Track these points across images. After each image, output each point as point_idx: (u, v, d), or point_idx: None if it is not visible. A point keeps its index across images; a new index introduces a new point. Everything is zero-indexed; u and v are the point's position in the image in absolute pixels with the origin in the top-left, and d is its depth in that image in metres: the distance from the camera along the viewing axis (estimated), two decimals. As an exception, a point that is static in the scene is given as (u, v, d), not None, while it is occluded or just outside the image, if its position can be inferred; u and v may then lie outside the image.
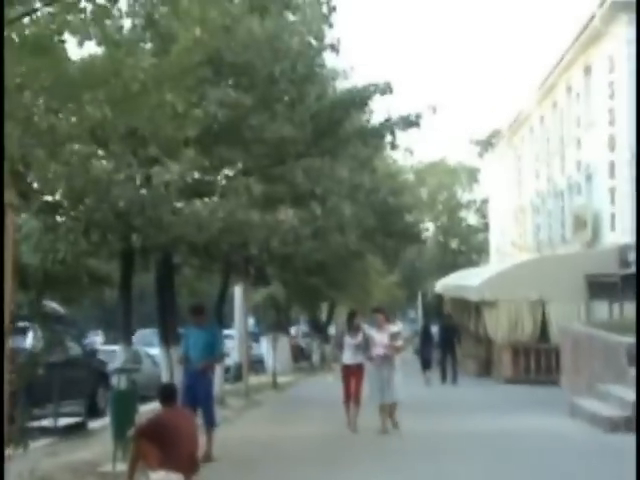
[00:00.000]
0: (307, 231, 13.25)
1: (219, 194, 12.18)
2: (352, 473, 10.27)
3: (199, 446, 9.68)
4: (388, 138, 15.95)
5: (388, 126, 15.58)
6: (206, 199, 11.88)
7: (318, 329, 43.81)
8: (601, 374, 16.75)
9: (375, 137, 15.70)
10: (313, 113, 14.01)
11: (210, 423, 11.43)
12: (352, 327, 14.28)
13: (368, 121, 16.36)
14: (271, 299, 29.34)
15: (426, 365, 26.50)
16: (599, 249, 26.88)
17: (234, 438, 13.13)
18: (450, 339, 27.06)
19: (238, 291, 27.41)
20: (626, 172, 25.12)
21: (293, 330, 46.12)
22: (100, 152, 9.97)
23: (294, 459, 11.36)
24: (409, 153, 40.70)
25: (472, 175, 65.80)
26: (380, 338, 13.78)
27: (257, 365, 31.70)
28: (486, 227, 58.41)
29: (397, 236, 31.72)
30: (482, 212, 63.87)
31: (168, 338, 15.76)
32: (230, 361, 27.32)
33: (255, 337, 34.81)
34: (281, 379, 27.52)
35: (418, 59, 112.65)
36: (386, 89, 14.75)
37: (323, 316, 50.20)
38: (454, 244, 69.00)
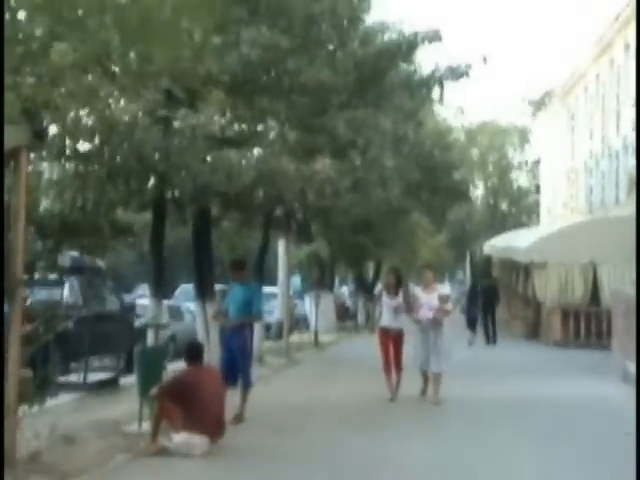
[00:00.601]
0: (346, 183, 12.55)
1: (252, 143, 11.52)
2: (386, 440, 9.75)
3: (225, 408, 9.31)
4: (436, 90, 15.26)
5: (436, 77, 14.88)
6: (237, 149, 11.16)
7: (364, 288, 43.25)
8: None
9: (422, 88, 14.94)
10: (357, 61, 13.37)
11: (245, 383, 10.96)
12: (392, 286, 12.96)
13: (415, 71, 15.56)
14: (315, 256, 28.73)
15: (471, 325, 26.41)
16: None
17: (269, 398, 12.67)
18: (491, 300, 26.91)
19: (281, 247, 26.96)
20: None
21: (339, 289, 45.70)
22: (112, 88, 9.23)
23: (326, 422, 10.89)
24: (460, 112, 39.78)
25: (524, 135, 64.40)
26: (428, 299, 12.51)
27: (302, 323, 31.32)
28: (537, 189, 57.22)
29: (443, 193, 30.78)
30: (533, 173, 62.58)
31: (205, 293, 15.33)
32: (273, 319, 26.97)
33: (300, 295, 34.40)
34: (324, 338, 27.08)
35: (470, 14, 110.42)
36: (435, 37, 14.07)
37: (370, 275, 49.81)
38: (504, 206, 67.86)
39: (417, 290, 12.99)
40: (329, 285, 35.45)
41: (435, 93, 15.47)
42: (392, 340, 12.82)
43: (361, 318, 38.61)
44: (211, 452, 8.54)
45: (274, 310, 28.43)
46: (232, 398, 10.73)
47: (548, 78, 79.58)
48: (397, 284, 13.02)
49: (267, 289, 31.55)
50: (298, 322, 31.00)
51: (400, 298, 12.73)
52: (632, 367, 14.99)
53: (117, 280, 30.91)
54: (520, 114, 61.53)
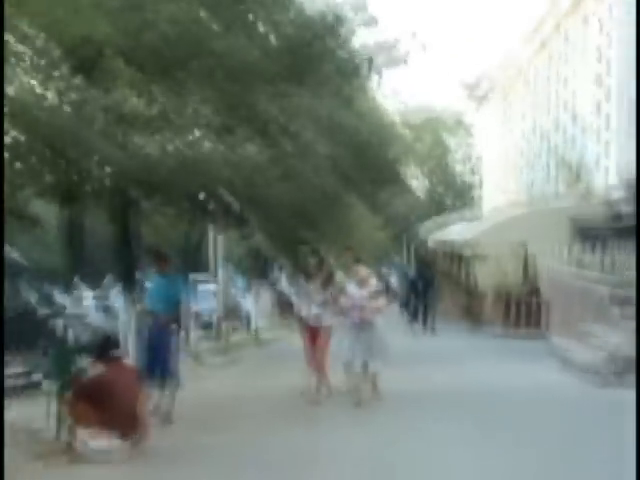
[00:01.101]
0: (276, 171, 12.07)
1: (173, 128, 10.94)
2: (320, 436, 9.53)
3: (144, 407, 8.86)
4: (371, 76, 15.01)
5: (372, 63, 14.63)
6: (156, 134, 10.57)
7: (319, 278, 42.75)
8: (582, 316, 16.16)
9: (357, 73, 14.61)
10: (291, 45, 12.98)
11: (172, 380, 10.56)
12: (313, 273, 11.91)
13: (350, 56, 15.19)
14: (255, 251, 28.42)
15: (411, 314, 26.94)
16: (591, 202, 26.11)
17: (203, 398, 12.33)
18: (429, 291, 26.78)
19: (219, 242, 26.54)
20: (623, 123, 24.28)
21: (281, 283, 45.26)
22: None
23: (260, 420, 10.57)
24: (394, 93, 39.26)
25: (467, 130, 64.67)
26: (360, 296, 11.26)
27: (244, 321, 30.80)
28: (481, 183, 57.53)
29: (374, 172, 30.06)
30: (476, 168, 62.90)
31: (129, 284, 14.70)
32: (211, 316, 26.58)
33: (243, 292, 33.96)
34: (266, 335, 26.69)
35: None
36: (371, 21, 13.83)
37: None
38: (448, 200, 67.99)
39: (350, 285, 11.55)
40: (271, 281, 35.14)
41: (373, 80, 15.16)
42: (317, 338, 11.71)
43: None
44: (131, 457, 8.10)
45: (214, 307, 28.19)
46: (160, 398, 10.42)
47: (483, 61, 79.58)
48: (327, 277, 11.94)
49: (209, 286, 31.19)
50: (242, 320, 30.45)
51: (330, 292, 11.64)
52: (571, 354, 14.98)
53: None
54: (456, 99, 61.82)
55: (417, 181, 66.31)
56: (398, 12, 79.25)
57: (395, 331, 27.14)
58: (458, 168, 68.06)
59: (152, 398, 10.25)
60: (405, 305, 28.02)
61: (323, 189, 15.48)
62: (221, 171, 10.93)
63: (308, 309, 11.72)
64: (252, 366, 18.58)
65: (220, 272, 27.43)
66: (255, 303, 26.37)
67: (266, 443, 9.08)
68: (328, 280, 11.87)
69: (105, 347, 8.70)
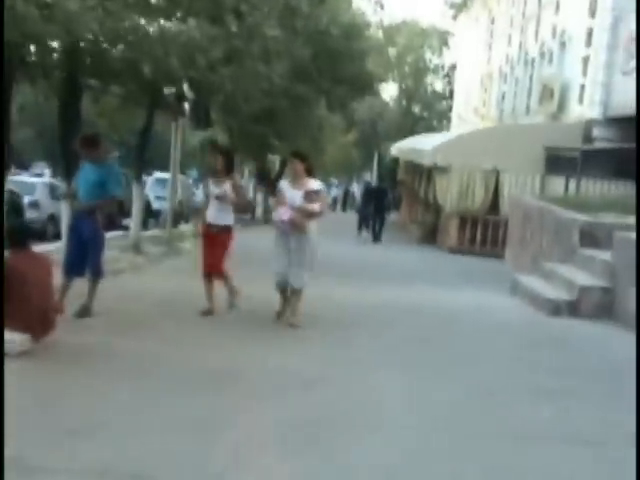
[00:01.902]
0: (217, 52, 10.87)
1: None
2: (245, 346, 8.73)
3: (53, 300, 8.14)
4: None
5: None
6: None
7: (266, 181, 42.02)
8: (549, 252, 15.40)
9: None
10: None
11: (94, 273, 9.69)
12: (218, 169, 10.14)
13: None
14: (211, 143, 27.24)
15: (362, 224, 27.48)
16: (563, 122, 25.26)
17: (132, 291, 11.47)
18: (381, 202, 27.27)
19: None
20: (604, 40, 23.27)
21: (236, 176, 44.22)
22: None
23: (186, 321, 9.71)
24: (379, 6, 38.09)
25: (443, 39, 63.09)
26: (292, 195, 9.71)
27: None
28: (451, 95, 56.37)
29: (346, 83, 28.91)
30: (449, 78, 61.61)
31: (71, 171, 13.73)
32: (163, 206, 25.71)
33: (198, 185, 33.02)
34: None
35: None
36: None
37: (275, 169, 48.57)
38: (417, 109, 66.87)
39: (283, 184, 10.09)
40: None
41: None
42: (214, 240, 10.16)
43: (259, 211, 37.41)
44: (33, 351, 7.36)
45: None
46: (82, 289, 9.61)
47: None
48: (227, 167, 10.20)
49: (163, 175, 30.27)
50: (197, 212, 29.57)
51: (227, 185, 10.01)
52: (521, 278, 14.28)
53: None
54: (441, 16, 60.15)
55: (386, 85, 65.09)
56: None
57: (344, 238, 27.34)
58: (430, 77, 66.68)
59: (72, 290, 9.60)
60: (360, 215, 28.45)
61: (271, 78, 14.04)
62: (154, 45, 9.73)
63: (211, 209, 10.12)
64: (192, 257, 17.74)
65: (171, 162, 26.43)
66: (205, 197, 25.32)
67: (187, 344, 8.39)
68: (228, 169, 10.19)
69: (17, 235, 7.87)
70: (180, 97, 18.94)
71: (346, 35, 26.53)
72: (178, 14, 10.50)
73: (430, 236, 26.80)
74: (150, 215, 26.76)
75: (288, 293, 10.07)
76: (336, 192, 59.66)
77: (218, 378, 7.16)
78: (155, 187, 30.70)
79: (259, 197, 37.92)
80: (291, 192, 9.76)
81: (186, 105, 22.91)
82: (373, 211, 27.06)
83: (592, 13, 24.36)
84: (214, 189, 10.07)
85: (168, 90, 18.54)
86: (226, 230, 10.13)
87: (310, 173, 9.89)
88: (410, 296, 13.63)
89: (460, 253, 23.06)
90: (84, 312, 9.47)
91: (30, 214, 20.42)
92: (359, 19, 37.92)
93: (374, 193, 27.90)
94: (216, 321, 9.91)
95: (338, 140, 54.14)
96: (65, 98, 14.12)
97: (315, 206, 9.66)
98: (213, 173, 10.25)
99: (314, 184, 9.84)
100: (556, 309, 11.97)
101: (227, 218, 10.15)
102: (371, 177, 59.91)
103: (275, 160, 50.34)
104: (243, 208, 10.50)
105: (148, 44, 9.77)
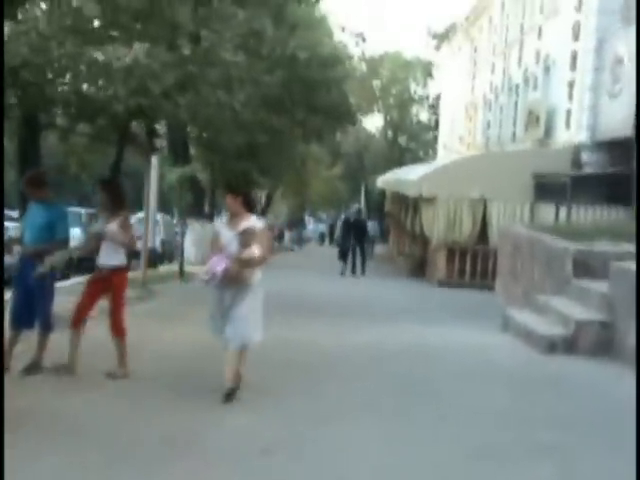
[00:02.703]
0: (169, 79, 9.98)
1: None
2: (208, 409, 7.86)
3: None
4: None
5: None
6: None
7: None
8: (541, 283, 14.59)
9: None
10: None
11: (43, 325, 8.78)
12: (104, 205, 8.85)
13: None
14: (190, 181, 26.42)
15: (343, 256, 26.96)
16: (551, 148, 24.57)
17: (92, 340, 10.50)
18: (360, 234, 27.18)
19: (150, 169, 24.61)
20: (588, 63, 22.66)
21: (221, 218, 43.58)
22: None
23: (143, 377, 8.80)
24: (361, 39, 37.39)
25: (427, 69, 62.67)
26: (228, 238, 7.86)
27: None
28: (437, 125, 55.86)
29: (322, 113, 27.93)
30: (435, 109, 61.15)
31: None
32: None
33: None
34: (197, 269, 25.02)
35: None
36: None
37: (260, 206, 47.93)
38: (403, 140, 66.34)
39: (218, 225, 8.81)
40: (210, 213, 33.37)
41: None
42: (100, 284, 8.77)
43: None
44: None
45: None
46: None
47: (455, 9, 77.30)
48: (114, 202, 8.80)
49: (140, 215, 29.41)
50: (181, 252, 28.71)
51: (118, 222, 8.63)
52: (513, 313, 13.46)
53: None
54: (424, 47, 59.80)
55: (371, 117, 64.67)
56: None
57: (327, 273, 26.65)
58: (415, 108, 66.22)
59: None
60: (340, 248, 27.95)
61: (233, 107, 12.97)
62: (92, 70, 8.86)
63: (102, 250, 8.77)
64: (167, 303, 16.89)
65: (151, 200, 25.67)
66: (181, 236, 24.52)
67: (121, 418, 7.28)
68: (117, 205, 8.80)
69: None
70: (151, 132, 18.16)
71: (321, 63, 25.65)
72: (128, 39, 9.68)
73: (418, 269, 26.09)
74: (133, 256, 25.84)
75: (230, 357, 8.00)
76: (324, 227, 58.98)
77: (170, 444, 6.29)
78: (137, 227, 29.76)
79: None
80: (227, 234, 7.90)
81: (160, 141, 22.18)
82: (353, 244, 26.76)
83: (576, 36, 23.76)
84: (101, 226, 8.82)
85: (138, 125, 17.82)
86: (117, 271, 8.80)
87: (251, 208, 8.14)
88: (394, 335, 12.76)
89: (449, 286, 22.27)
90: (32, 368, 8.60)
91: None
92: (340, 50, 37.40)
93: (353, 225, 27.46)
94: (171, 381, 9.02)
95: (323, 174, 53.64)
96: (24, 136, 13.39)
97: (255, 251, 7.69)
98: (103, 209, 8.97)
99: (252, 221, 7.89)
100: (551, 346, 11.13)
101: (117, 258, 8.78)
102: (359, 210, 59.48)
103: (261, 195, 49.84)
104: (130, 248, 8.99)
105: (91, 72, 8.93)
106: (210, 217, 33.42)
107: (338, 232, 32.42)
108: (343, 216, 33.55)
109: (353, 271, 26.32)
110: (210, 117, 13.38)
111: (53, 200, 9.14)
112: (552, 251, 14.23)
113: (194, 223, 28.39)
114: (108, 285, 8.75)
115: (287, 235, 63.41)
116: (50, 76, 9.15)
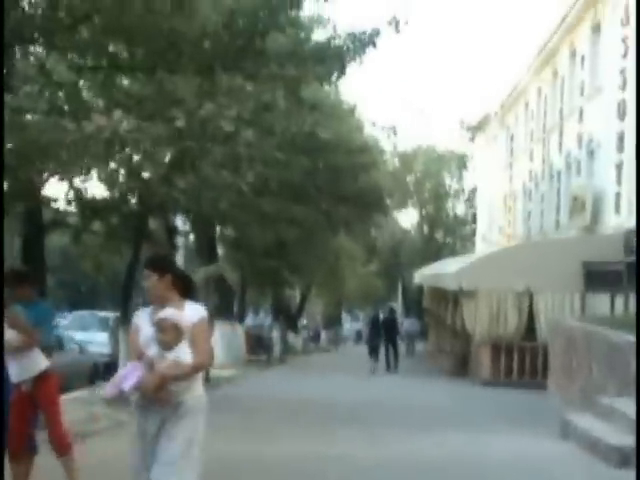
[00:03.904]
0: (160, 155, 8.63)
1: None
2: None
3: None
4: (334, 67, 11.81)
5: (334, 48, 11.45)
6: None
7: (287, 317, 39.89)
8: (602, 382, 12.86)
9: (313, 59, 11.36)
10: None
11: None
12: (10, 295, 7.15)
13: (305, 39, 12.04)
14: (217, 280, 25.11)
15: (373, 353, 27.24)
16: (600, 234, 22.96)
17: (96, 460, 8.92)
18: (391, 331, 27.79)
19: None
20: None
21: (255, 318, 42.28)
22: None
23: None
24: (392, 132, 36.08)
25: (461, 162, 61.59)
26: (147, 335, 5.49)
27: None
28: (474, 218, 54.49)
29: (349, 202, 26.12)
30: (471, 202, 59.89)
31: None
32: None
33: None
34: (225, 372, 23.55)
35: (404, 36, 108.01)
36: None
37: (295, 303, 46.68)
38: (440, 235, 64.96)
39: (138, 317, 5.70)
40: (239, 313, 32.05)
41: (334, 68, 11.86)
42: (25, 402, 7.19)
43: (277, 350, 34.83)
44: None
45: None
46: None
47: (488, 102, 76.95)
48: (18, 287, 7.37)
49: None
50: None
51: (7, 329, 7.01)
52: (573, 417, 11.72)
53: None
54: (458, 140, 58.89)
55: (406, 212, 63.60)
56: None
57: (359, 372, 25.43)
58: (451, 202, 64.98)
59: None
60: (370, 345, 28.38)
61: (239, 189, 11.35)
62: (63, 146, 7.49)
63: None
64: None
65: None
66: (218, 336, 23.07)
67: None
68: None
69: None
70: (171, 229, 16.95)
71: (348, 149, 24.03)
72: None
73: (461, 367, 24.50)
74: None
75: None
76: (360, 325, 57.49)
77: None
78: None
79: (275, 334, 35.34)
80: (147, 331, 5.49)
81: (182, 239, 21.06)
82: (385, 341, 27.40)
83: (622, 115, 22.39)
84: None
85: (156, 222, 16.61)
86: (38, 380, 7.19)
87: (187, 293, 5.69)
88: (438, 446, 11.07)
89: (495, 385, 20.57)
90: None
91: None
92: (371, 143, 36.28)
93: (383, 323, 28.26)
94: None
95: (359, 270, 52.24)
96: (27, 234, 12.22)
97: (182, 357, 5.30)
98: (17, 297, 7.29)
99: (186, 310, 5.48)
100: (623, 459, 9.39)
101: (31, 364, 7.16)
102: (391, 308, 57.73)
103: (296, 294, 48.49)
104: (29, 346, 7.12)
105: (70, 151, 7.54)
106: (240, 317, 32.09)
107: (366, 330, 34.06)
108: (371, 315, 34.07)
109: (387, 369, 26.70)
110: (215, 202, 11.79)
111: (36, 299, 7.75)
112: (613, 346, 12.58)
113: (223, 324, 26.99)
114: (35, 399, 7.18)
115: (323, 335, 61.76)
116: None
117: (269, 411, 13.99)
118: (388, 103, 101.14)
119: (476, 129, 49.93)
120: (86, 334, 24.02)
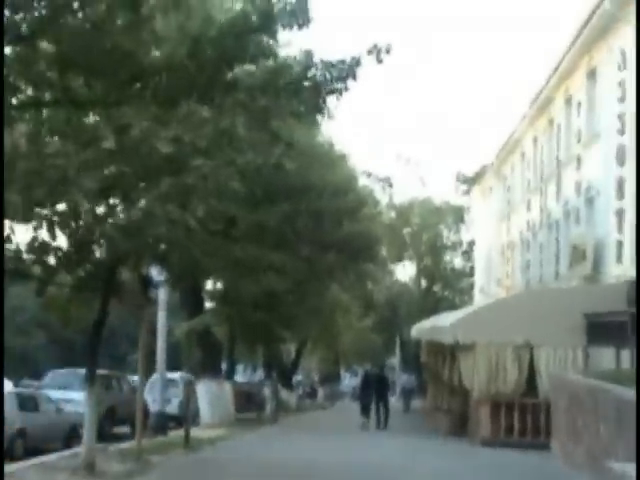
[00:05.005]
0: (89, 182, 7.66)
1: None
2: None
3: None
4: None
5: (310, 78, 10.62)
6: None
7: (280, 373, 38.73)
8: (610, 444, 11.79)
9: (289, 90, 10.50)
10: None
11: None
12: None
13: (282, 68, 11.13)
14: (203, 334, 24.02)
15: (364, 411, 27.31)
16: (602, 283, 21.98)
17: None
18: (381, 388, 27.95)
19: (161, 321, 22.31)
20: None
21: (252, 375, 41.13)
22: None
23: None
24: (387, 184, 34.87)
25: (458, 214, 60.79)
26: None
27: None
28: (472, 271, 53.53)
29: (334, 249, 24.83)
30: (468, 255, 58.98)
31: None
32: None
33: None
34: (210, 433, 22.45)
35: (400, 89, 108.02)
36: (303, 15, 9.94)
37: (288, 359, 45.37)
38: (438, 288, 63.87)
39: None
40: (228, 369, 30.86)
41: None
42: None
43: (269, 407, 33.53)
44: None
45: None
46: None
47: (483, 153, 76.32)
48: None
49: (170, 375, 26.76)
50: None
51: None
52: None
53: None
54: (455, 192, 58.21)
55: (402, 265, 62.69)
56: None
57: (350, 433, 24.64)
58: (449, 255, 64.05)
59: None
60: (361, 402, 28.34)
61: (187, 224, 10.32)
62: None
63: None
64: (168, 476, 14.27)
65: (159, 358, 23.25)
66: (186, 399, 21.81)
67: None
68: None
69: None
70: (145, 280, 15.91)
71: (332, 192, 22.52)
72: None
73: (459, 425, 23.36)
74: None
75: None
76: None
77: None
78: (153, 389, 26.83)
79: (267, 390, 34.07)
80: None
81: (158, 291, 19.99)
82: (376, 398, 27.33)
83: (621, 161, 21.55)
84: None
85: (128, 273, 15.51)
86: None
87: None
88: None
89: (495, 445, 19.48)
90: None
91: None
92: (365, 195, 35.37)
93: (374, 380, 28.34)
94: None
95: (355, 325, 51.15)
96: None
97: None
98: None
99: None
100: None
101: None
102: (382, 365, 56.24)
103: (290, 349, 47.18)
104: None
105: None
106: (229, 374, 30.87)
107: (357, 387, 34.56)
108: (362, 371, 35.41)
109: (377, 425, 26.84)
110: (157, 240, 10.66)
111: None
112: (624, 404, 11.50)
113: (209, 381, 25.86)
114: None
115: (320, 391, 60.39)
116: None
117: (243, 477, 12.94)
118: (384, 155, 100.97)
119: (472, 181, 49.30)
120: (65, 393, 23.10)
